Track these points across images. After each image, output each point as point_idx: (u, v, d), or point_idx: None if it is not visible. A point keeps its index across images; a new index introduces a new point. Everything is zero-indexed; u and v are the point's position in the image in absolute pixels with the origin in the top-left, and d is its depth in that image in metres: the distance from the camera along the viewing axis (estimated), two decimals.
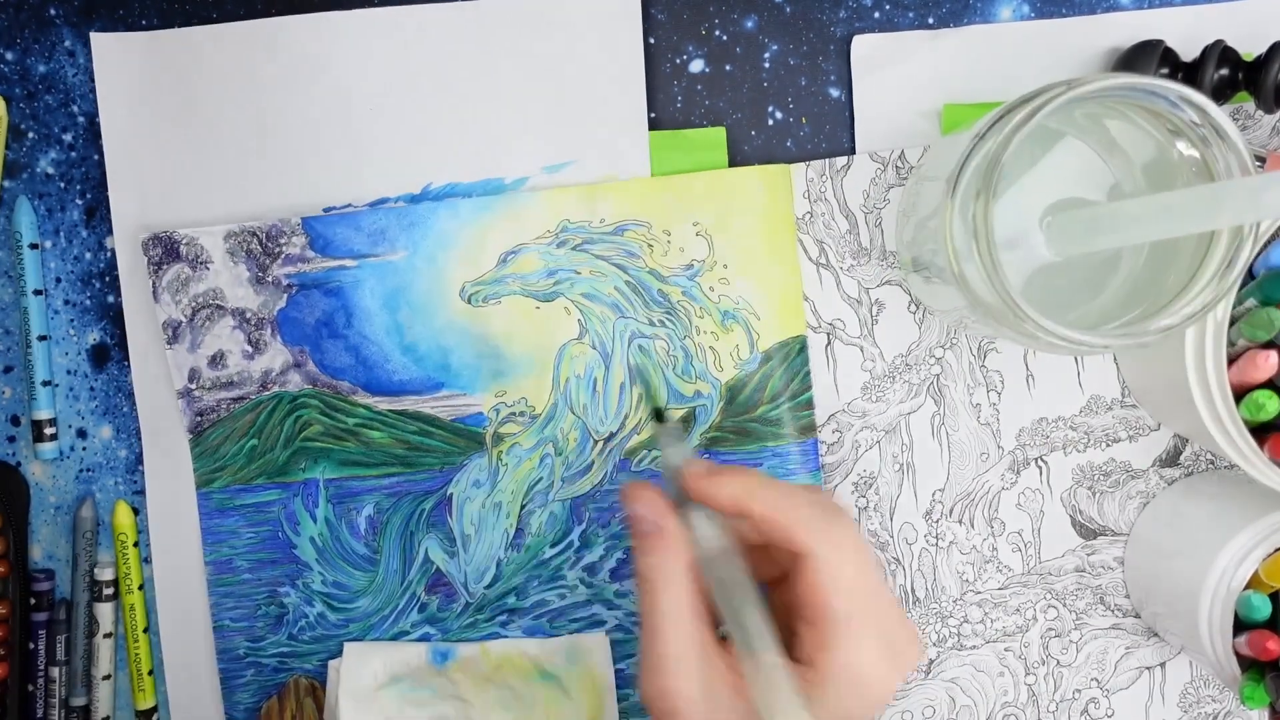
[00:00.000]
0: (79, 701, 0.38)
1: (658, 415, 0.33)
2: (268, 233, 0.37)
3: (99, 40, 0.37)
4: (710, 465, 0.29)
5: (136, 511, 0.38)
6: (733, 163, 0.38)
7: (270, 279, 0.37)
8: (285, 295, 0.37)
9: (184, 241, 0.37)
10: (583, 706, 0.37)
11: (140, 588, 0.38)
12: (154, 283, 0.37)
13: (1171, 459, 0.39)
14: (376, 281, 0.37)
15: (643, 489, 0.29)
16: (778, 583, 0.30)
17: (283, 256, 0.37)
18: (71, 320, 0.38)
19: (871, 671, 0.27)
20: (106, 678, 0.38)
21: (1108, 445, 0.39)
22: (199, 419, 0.37)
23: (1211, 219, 0.26)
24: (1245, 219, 0.26)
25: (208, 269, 0.37)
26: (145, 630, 0.38)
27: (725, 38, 0.38)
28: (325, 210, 0.37)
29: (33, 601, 0.38)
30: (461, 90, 0.37)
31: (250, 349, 0.37)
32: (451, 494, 0.38)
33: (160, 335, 0.37)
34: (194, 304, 0.37)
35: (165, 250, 0.37)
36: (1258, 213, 0.25)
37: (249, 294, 0.37)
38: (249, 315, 0.37)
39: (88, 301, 0.38)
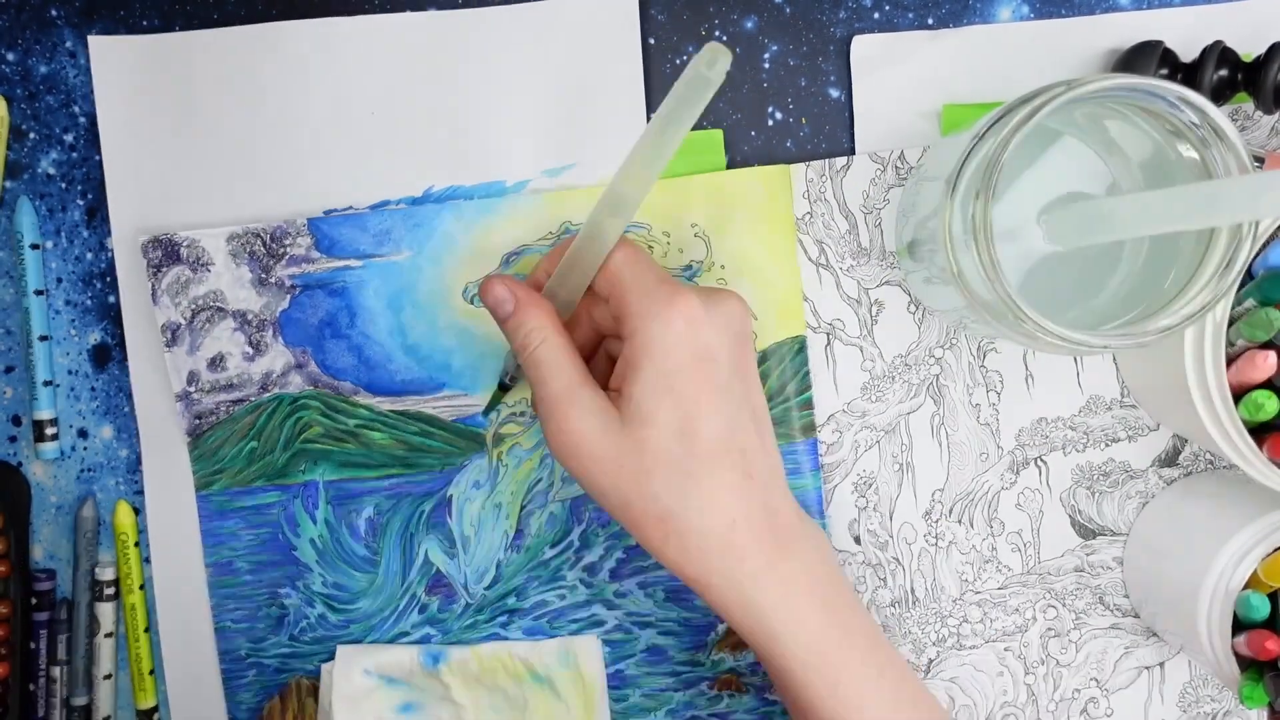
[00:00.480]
0: (80, 701, 0.38)
1: (502, 386, 0.36)
2: (272, 234, 0.37)
3: (97, 43, 0.37)
4: (499, 276, 0.31)
5: (137, 511, 0.38)
6: (732, 163, 0.38)
7: (273, 280, 0.37)
8: (288, 296, 0.37)
9: (185, 244, 0.37)
10: (574, 708, 0.37)
11: (141, 587, 0.38)
12: (153, 285, 0.37)
13: (1170, 459, 0.39)
14: (381, 282, 0.37)
15: (492, 279, 0.31)
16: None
17: (287, 257, 0.37)
18: (73, 320, 0.38)
19: (662, 308, 0.29)
20: (107, 677, 0.38)
21: (1107, 445, 0.39)
22: (198, 422, 0.37)
23: (1210, 217, 0.26)
24: (1244, 218, 0.26)
25: (209, 271, 0.37)
26: (146, 630, 0.38)
27: (725, 38, 0.38)
28: (326, 213, 0.37)
29: (34, 601, 0.38)
30: (462, 94, 0.37)
31: (251, 351, 0.37)
32: (451, 495, 0.38)
33: (159, 338, 0.37)
34: (194, 306, 0.37)
35: (165, 253, 0.37)
36: (1257, 212, 0.25)
37: (251, 295, 0.37)
38: (250, 317, 0.37)
39: (89, 302, 0.38)
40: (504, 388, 0.36)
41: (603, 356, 0.35)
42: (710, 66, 0.24)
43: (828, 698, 0.29)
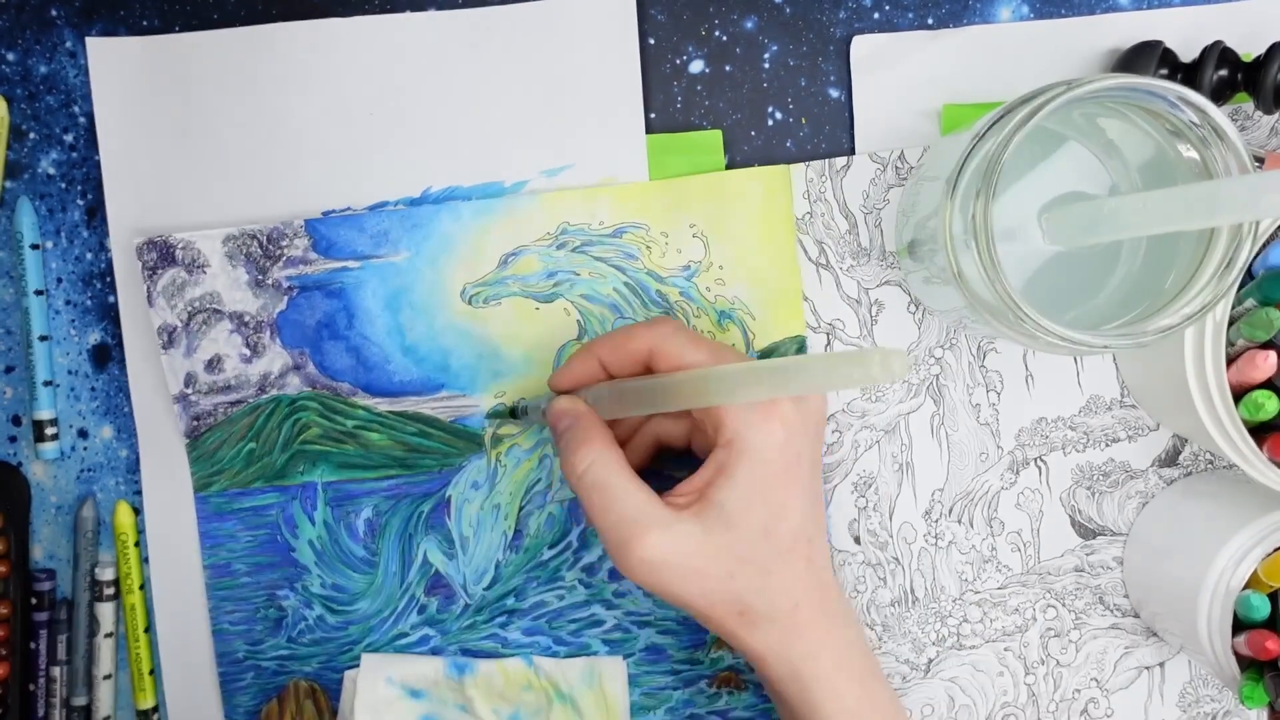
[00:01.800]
0: (80, 701, 0.38)
1: (513, 413, 0.36)
2: (269, 235, 0.37)
3: (94, 45, 0.37)
4: (557, 373, 0.33)
5: (137, 511, 0.38)
6: (732, 163, 0.38)
7: (270, 281, 0.37)
8: (285, 298, 0.37)
9: (180, 246, 0.37)
10: None
11: (141, 588, 0.38)
12: (149, 288, 0.37)
13: (1170, 459, 0.39)
14: (379, 283, 0.37)
15: (559, 398, 0.32)
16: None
17: (284, 259, 0.37)
18: (72, 320, 0.38)
19: (756, 420, 0.29)
20: (107, 677, 0.38)
21: (1107, 445, 0.39)
22: (196, 423, 0.37)
23: (1210, 217, 0.26)
24: (1244, 218, 0.26)
25: (204, 273, 0.37)
26: (146, 630, 0.38)
27: (725, 38, 0.38)
28: (324, 213, 0.37)
29: (34, 601, 0.38)
30: (460, 94, 0.37)
31: (248, 352, 0.37)
32: (450, 496, 0.38)
33: (156, 339, 0.37)
34: (190, 308, 0.37)
35: (160, 255, 0.37)
36: (1257, 212, 0.25)
37: (247, 297, 0.37)
38: (247, 318, 0.37)
39: (89, 302, 0.38)
40: (514, 414, 0.37)
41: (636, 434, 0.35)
42: (884, 368, 0.24)
43: None
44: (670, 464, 0.36)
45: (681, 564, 0.29)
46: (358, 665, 0.38)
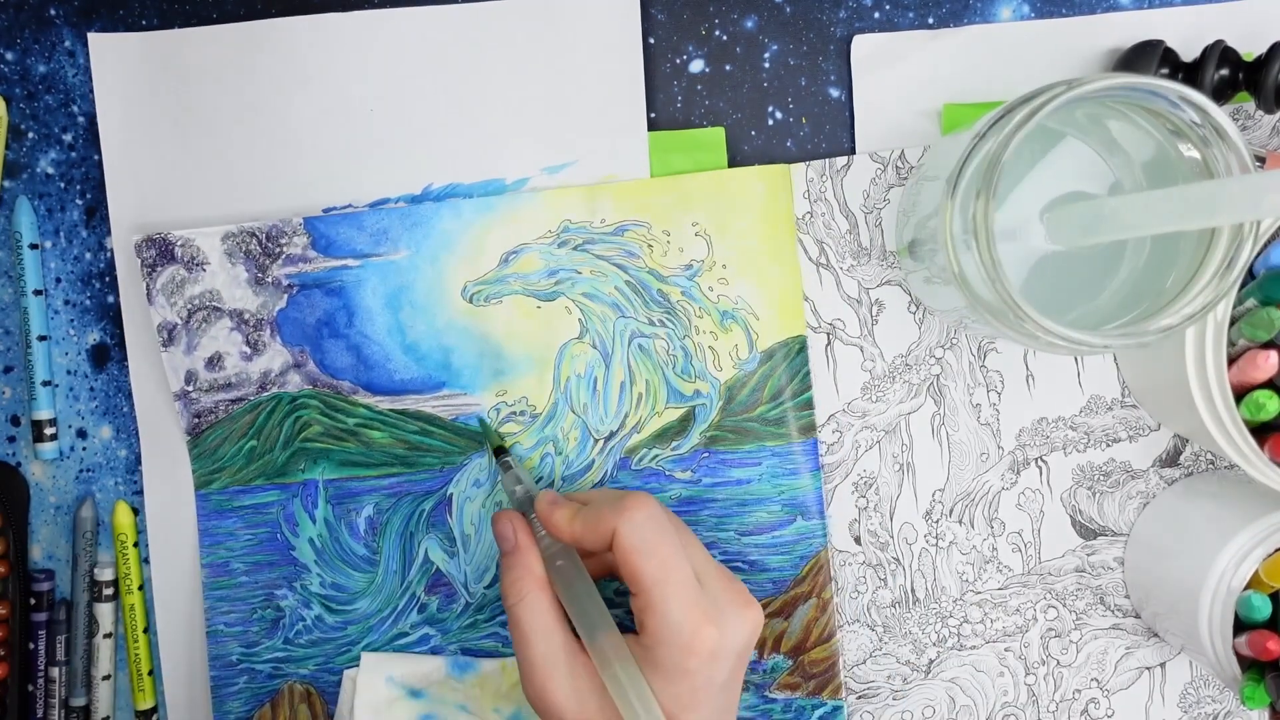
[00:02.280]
0: (79, 702, 0.38)
1: (499, 452, 0.36)
2: (268, 233, 0.37)
3: (96, 41, 0.37)
4: (552, 498, 0.33)
5: (136, 512, 0.38)
6: (732, 163, 0.38)
7: (270, 279, 0.37)
8: (285, 295, 0.37)
9: (179, 243, 0.37)
10: None
11: (140, 588, 0.38)
12: (148, 285, 0.37)
13: (1171, 459, 0.39)
14: (379, 281, 0.37)
15: (505, 513, 0.34)
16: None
17: (283, 257, 0.37)
18: (71, 320, 0.38)
19: (687, 625, 0.30)
20: (106, 678, 0.38)
21: (1108, 445, 0.39)
22: (197, 420, 0.37)
23: (1212, 217, 0.26)
24: (1245, 218, 0.26)
25: (204, 270, 0.37)
26: (145, 630, 0.38)
27: (725, 38, 0.38)
28: (325, 211, 0.37)
29: (33, 601, 0.38)
30: (462, 91, 0.37)
31: (248, 350, 0.37)
32: (451, 494, 0.38)
33: (156, 337, 0.37)
34: (190, 306, 0.37)
35: (159, 252, 0.37)
36: (1258, 212, 0.25)
37: (247, 295, 0.37)
38: (247, 316, 0.37)
39: (87, 302, 0.38)
40: (496, 453, 0.37)
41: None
42: None
43: None
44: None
45: (572, 713, 0.31)
46: (357, 665, 0.37)
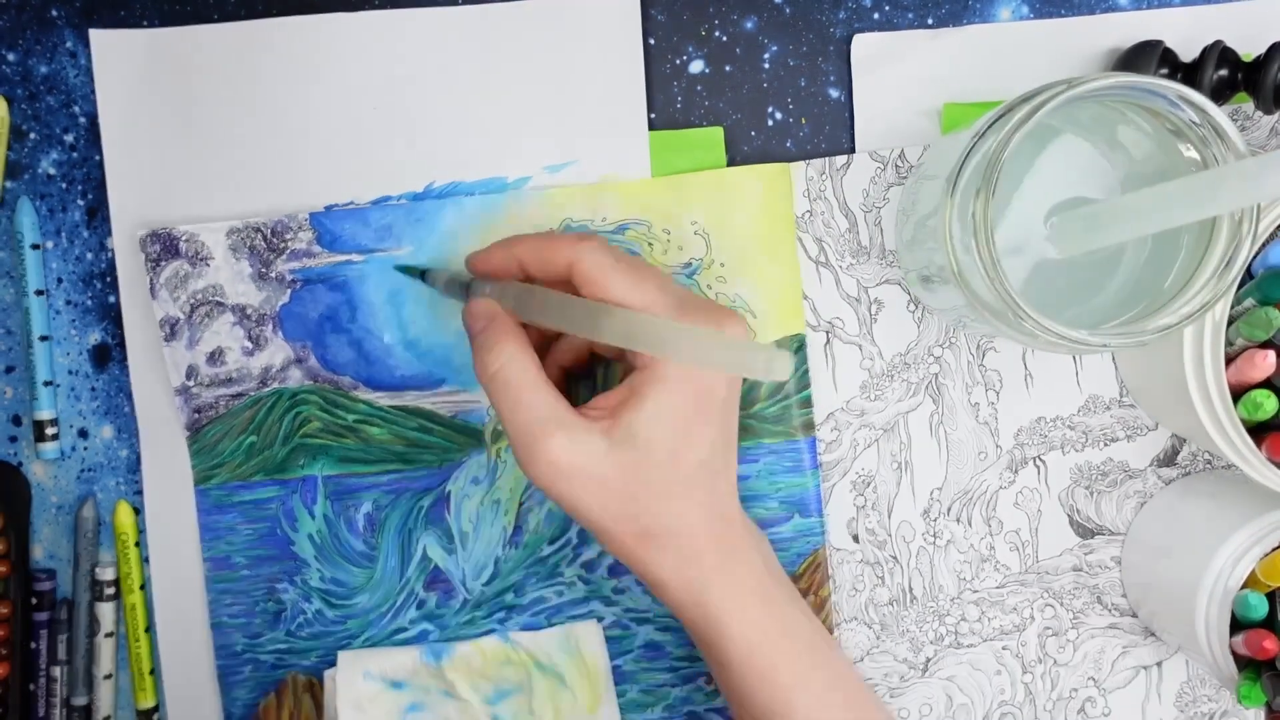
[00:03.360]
0: (80, 701, 0.38)
1: (424, 274, 0.35)
2: (273, 228, 0.37)
3: (98, 38, 0.37)
4: (479, 256, 0.32)
5: (137, 511, 0.38)
6: (732, 163, 0.38)
7: (273, 274, 0.37)
8: (288, 291, 0.37)
9: (184, 238, 0.37)
10: (581, 695, 0.37)
11: (141, 587, 0.38)
12: (151, 279, 0.37)
13: (1169, 459, 0.39)
14: (381, 277, 0.37)
15: (474, 299, 0.32)
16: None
17: (288, 252, 0.37)
18: (73, 320, 0.38)
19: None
20: (108, 677, 0.39)
21: (1105, 445, 0.39)
22: (197, 416, 0.37)
23: (1212, 205, 0.26)
24: (1247, 201, 0.26)
25: (208, 265, 0.37)
26: (146, 630, 0.38)
27: (725, 38, 0.38)
28: (328, 208, 0.37)
29: (34, 601, 0.38)
30: (464, 91, 0.37)
31: (250, 345, 0.37)
32: (450, 491, 0.38)
33: (159, 333, 0.37)
34: (192, 300, 0.37)
35: (164, 247, 0.37)
36: (1259, 194, 0.25)
37: (250, 290, 0.37)
38: (249, 311, 0.37)
39: (89, 302, 0.38)
40: (422, 277, 0.36)
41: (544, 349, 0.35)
42: (768, 367, 0.24)
43: (763, 685, 0.31)
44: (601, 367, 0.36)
45: (585, 472, 0.29)
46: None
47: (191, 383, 0.37)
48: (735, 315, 0.31)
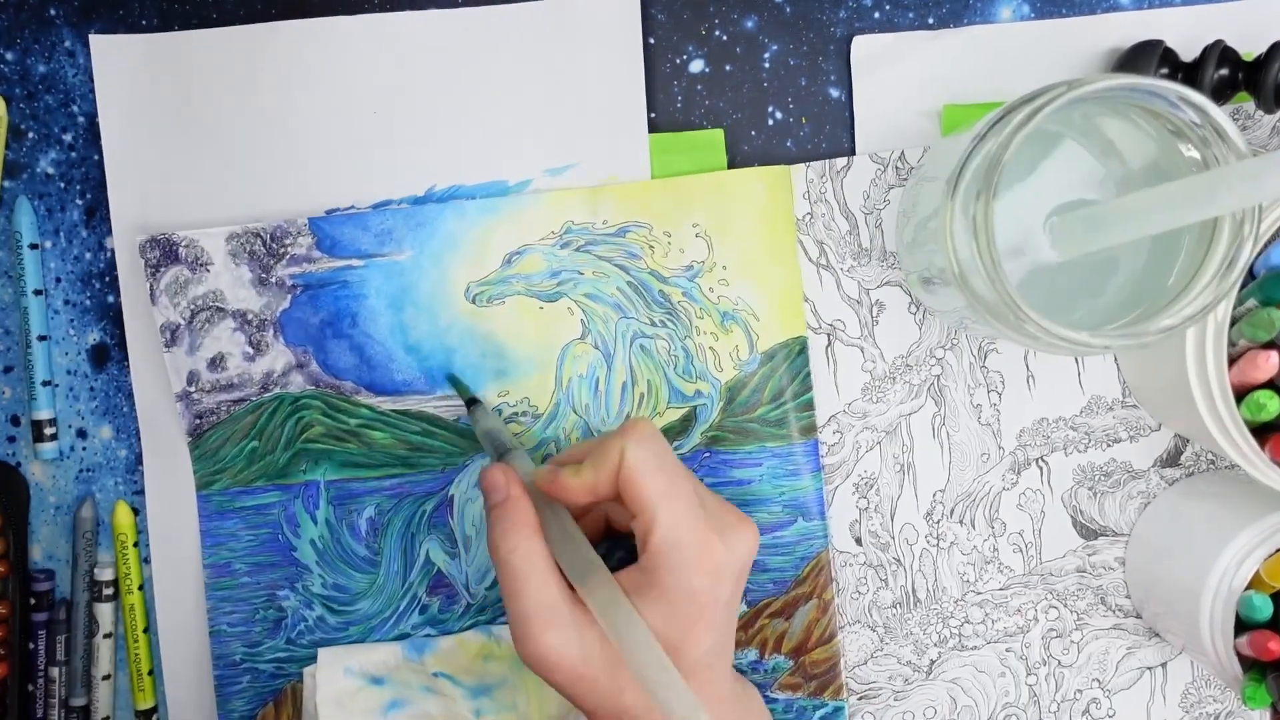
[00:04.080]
0: (79, 702, 0.38)
1: (472, 403, 0.36)
2: (272, 233, 0.37)
3: (98, 42, 0.37)
4: (549, 468, 0.31)
5: (136, 512, 0.38)
6: (732, 163, 0.38)
7: (274, 280, 0.37)
8: (289, 296, 0.37)
9: (183, 244, 0.37)
10: None
11: (140, 588, 0.38)
12: (151, 286, 0.37)
13: (1172, 459, 0.39)
14: (382, 281, 0.37)
15: (495, 467, 0.32)
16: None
17: (288, 257, 0.37)
18: (71, 320, 0.38)
19: (692, 538, 0.29)
20: (106, 678, 0.38)
21: (1108, 446, 0.39)
22: (198, 421, 0.37)
23: (1213, 205, 0.26)
24: (1248, 202, 0.26)
25: (208, 271, 0.37)
26: (145, 630, 0.38)
27: (725, 38, 0.38)
28: (327, 212, 0.37)
29: (32, 601, 0.38)
30: (464, 93, 0.37)
31: (251, 351, 0.37)
32: (453, 495, 0.38)
33: (159, 337, 0.37)
34: (193, 306, 0.37)
35: (163, 253, 0.37)
36: (1260, 194, 0.25)
37: (251, 295, 0.37)
38: (250, 317, 0.37)
39: (88, 302, 0.38)
40: (468, 404, 0.36)
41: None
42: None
43: None
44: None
45: (573, 669, 0.29)
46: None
47: (193, 388, 0.37)
48: (751, 526, 0.31)
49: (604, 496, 0.31)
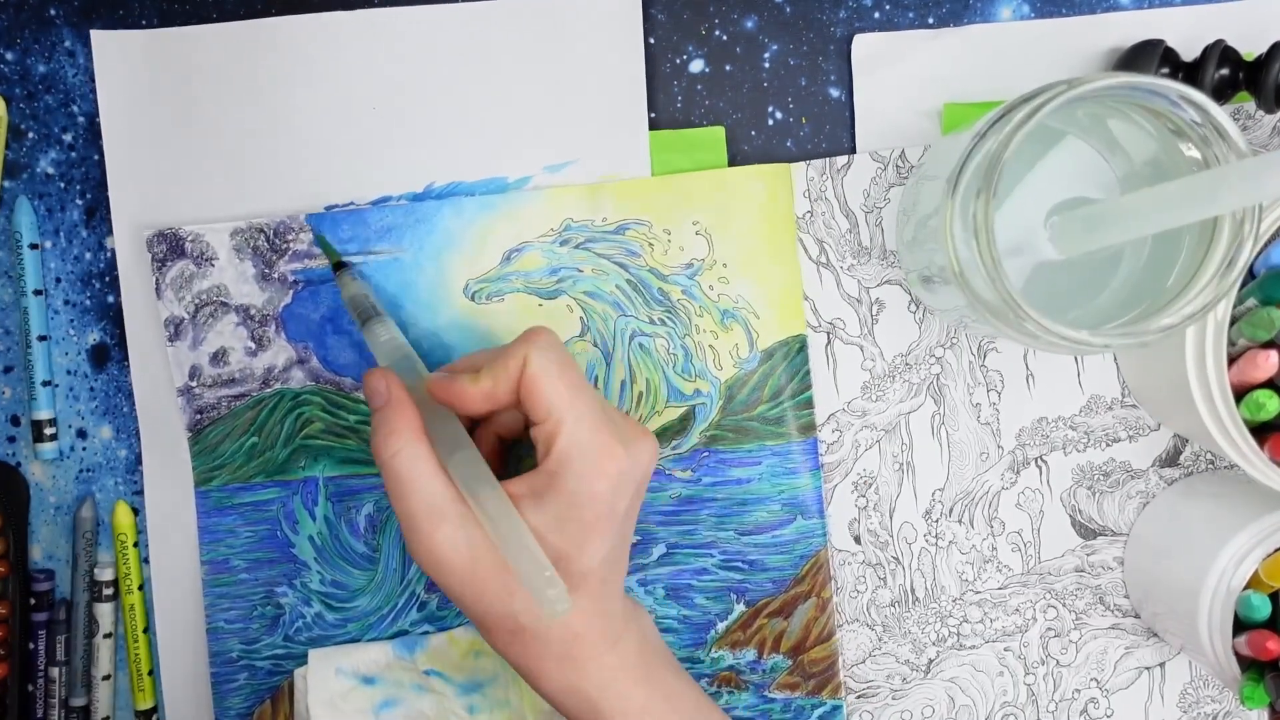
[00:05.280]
0: (79, 702, 0.38)
1: (339, 267, 0.35)
2: (275, 229, 0.37)
3: (99, 38, 0.37)
4: (441, 375, 0.31)
5: (136, 512, 0.38)
6: (732, 162, 0.38)
7: (276, 275, 0.37)
8: (291, 292, 0.37)
9: (189, 238, 0.37)
10: None
11: (140, 588, 0.38)
12: (157, 279, 0.37)
13: (1171, 459, 0.39)
14: (382, 278, 0.37)
15: (374, 371, 0.32)
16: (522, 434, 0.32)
17: (290, 253, 0.37)
18: (71, 320, 0.38)
19: (596, 442, 0.29)
20: (106, 678, 0.38)
21: (1107, 445, 0.39)
22: (199, 417, 0.37)
23: (1213, 204, 0.26)
24: (1248, 201, 0.26)
25: (212, 265, 0.37)
26: (145, 630, 0.38)
27: (725, 38, 0.38)
28: (327, 208, 0.37)
29: (33, 601, 0.38)
30: (464, 90, 0.37)
31: (253, 346, 0.37)
32: None
33: (161, 334, 0.37)
34: (197, 301, 0.37)
35: (170, 247, 0.37)
36: (1260, 193, 0.25)
37: (254, 290, 0.37)
38: (253, 312, 0.37)
39: (88, 302, 0.38)
40: (340, 266, 0.36)
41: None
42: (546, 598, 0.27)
43: None
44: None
45: (463, 567, 0.29)
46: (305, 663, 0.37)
47: (194, 383, 0.37)
48: (652, 438, 0.31)
49: (502, 404, 0.31)
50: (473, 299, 0.37)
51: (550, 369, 0.30)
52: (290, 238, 0.37)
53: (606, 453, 0.29)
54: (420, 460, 0.30)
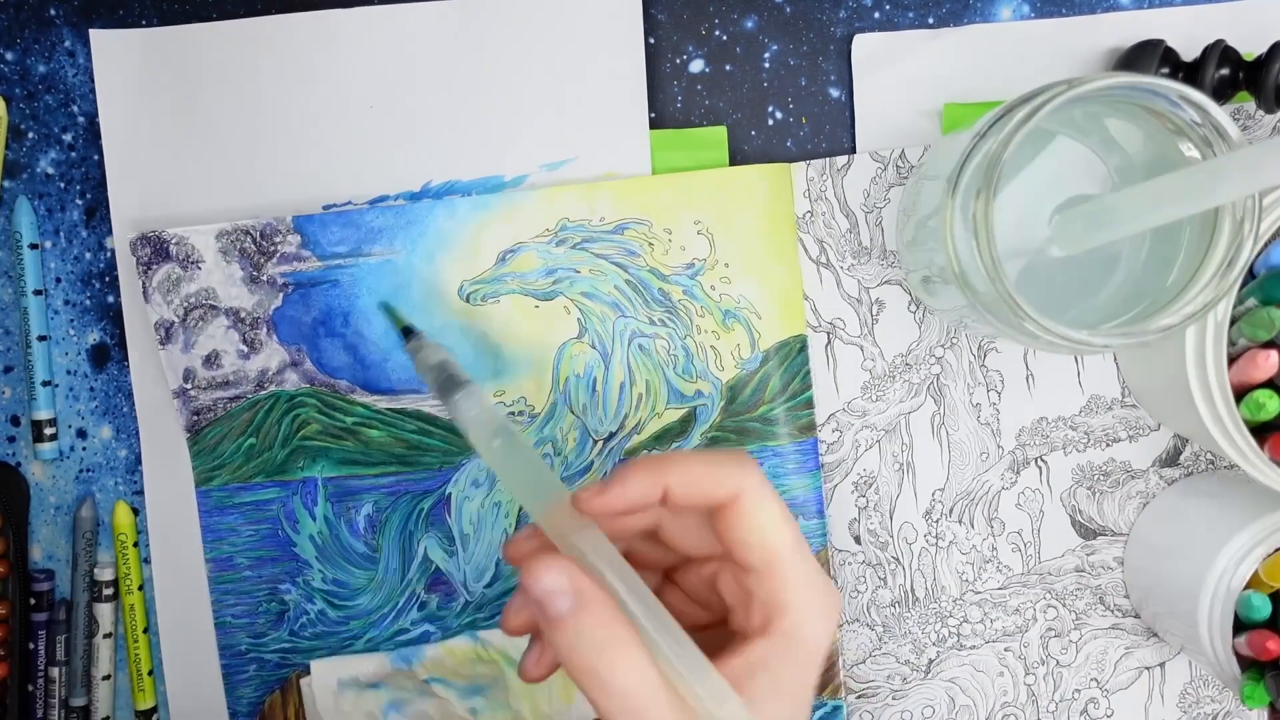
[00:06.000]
0: (79, 702, 0.38)
1: (407, 333, 0.30)
2: (261, 231, 0.37)
3: (98, 37, 0.37)
4: (597, 487, 0.25)
5: (136, 512, 0.38)
6: (732, 162, 0.38)
7: (265, 278, 0.37)
8: (281, 294, 0.37)
9: (173, 241, 0.37)
10: (556, 685, 0.37)
11: (140, 588, 0.38)
12: (144, 283, 0.37)
13: (1171, 459, 0.39)
14: (374, 280, 0.37)
15: (544, 559, 0.24)
16: (675, 571, 0.28)
17: (277, 255, 0.37)
18: (71, 320, 0.38)
19: (825, 605, 0.25)
20: (106, 678, 0.38)
21: (1107, 445, 0.39)
22: (196, 418, 0.37)
23: (1212, 195, 0.26)
24: (1248, 189, 0.26)
25: (199, 269, 0.37)
26: (145, 630, 0.38)
27: (725, 38, 0.38)
28: (325, 208, 0.37)
29: (32, 601, 0.38)
30: (461, 88, 0.37)
31: (245, 348, 0.37)
32: (450, 493, 0.38)
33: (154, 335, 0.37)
34: (186, 304, 0.37)
35: (154, 250, 0.37)
36: (1259, 181, 0.25)
37: (243, 293, 0.37)
38: (243, 315, 0.37)
39: (87, 302, 0.38)
40: (409, 334, 0.30)
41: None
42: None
43: None
44: None
45: None
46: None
47: (189, 385, 0.37)
48: (836, 594, 0.26)
49: (644, 515, 0.26)
50: (467, 300, 0.37)
51: (774, 508, 0.24)
52: (277, 239, 0.37)
53: (830, 603, 0.25)
54: (651, 683, 0.22)
